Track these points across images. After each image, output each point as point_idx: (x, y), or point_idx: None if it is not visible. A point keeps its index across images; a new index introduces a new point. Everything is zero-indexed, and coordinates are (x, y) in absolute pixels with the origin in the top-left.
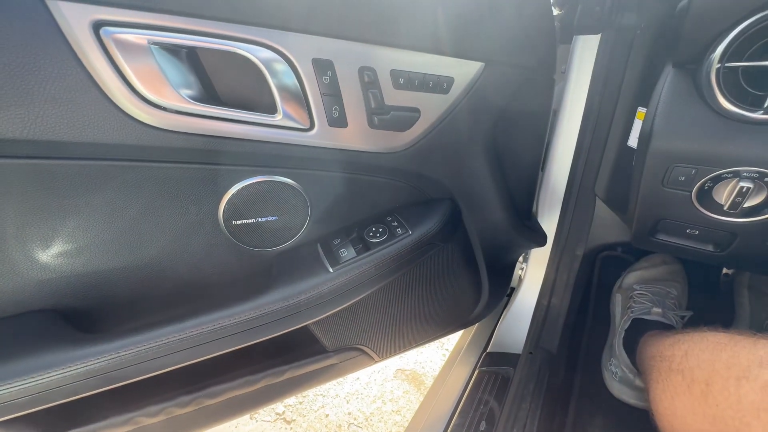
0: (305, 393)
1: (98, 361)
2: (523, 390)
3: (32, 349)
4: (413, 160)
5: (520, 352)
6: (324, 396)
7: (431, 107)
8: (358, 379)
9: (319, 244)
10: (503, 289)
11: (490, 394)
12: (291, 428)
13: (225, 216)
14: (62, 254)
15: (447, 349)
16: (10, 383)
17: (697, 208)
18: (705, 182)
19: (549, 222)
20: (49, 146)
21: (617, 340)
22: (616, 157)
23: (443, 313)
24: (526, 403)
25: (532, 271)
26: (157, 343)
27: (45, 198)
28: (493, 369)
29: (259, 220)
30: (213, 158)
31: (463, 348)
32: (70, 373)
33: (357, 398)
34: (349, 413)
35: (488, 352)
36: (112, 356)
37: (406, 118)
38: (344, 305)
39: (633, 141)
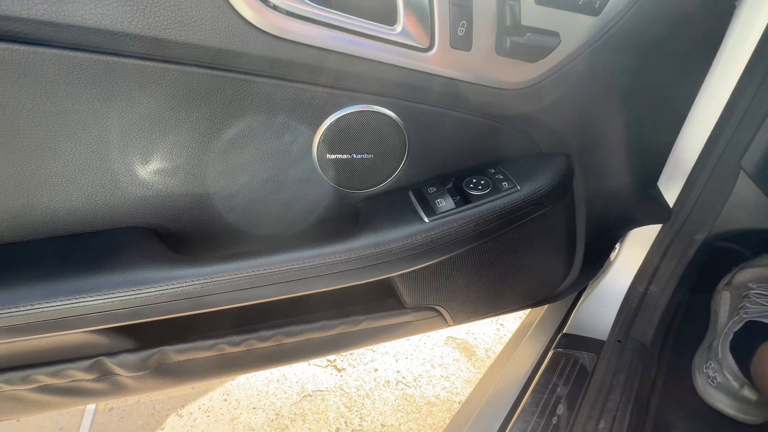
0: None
1: (193, 283)
2: (612, 379)
3: (133, 264)
4: (534, 101)
5: (601, 338)
6: (374, 351)
7: (574, 32)
8: (408, 340)
9: (411, 192)
10: (597, 267)
11: (568, 378)
12: (341, 377)
13: (319, 148)
14: (160, 172)
15: (501, 324)
16: (112, 293)
17: None
18: None
19: (666, 196)
20: (154, 44)
21: (721, 343)
22: None
23: (528, 285)
24: (616, 395)
25: (629, 252)
26: (248, 274)
27: (147, 107)
28: (571, 352)
29: (354, 156)
30: (316, 77)
31: (534, 325)
32: (167, 291)
33: (406, 358)
34: (398, 371)
35: (565, 333)
36: (206, 281)
37: (542, 44)
38: (434, 261)
39: None
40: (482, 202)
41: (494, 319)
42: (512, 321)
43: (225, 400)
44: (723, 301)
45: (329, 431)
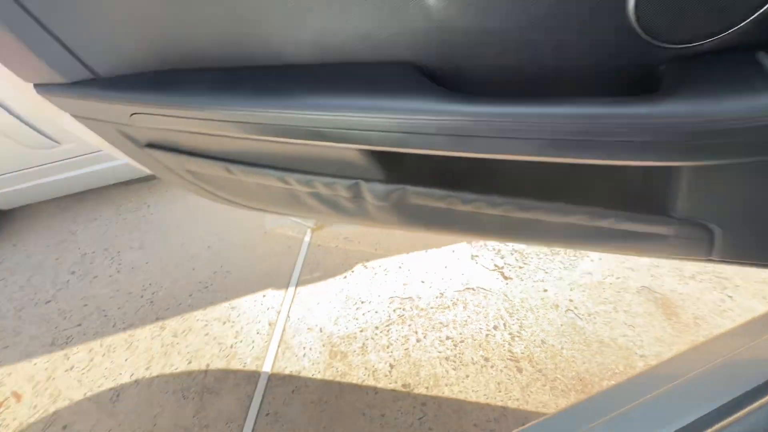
0: (531, 260)
1: (462, 119)
2: None
3: (406, 92)
4: None
5: None
6: (546, 272)
7: None
8: (590, 273)
9: (762, 53)
10: None
11: None
12: (506, 284)
13: None
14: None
15: (729, 295)
16: (389, 115)
17: None
18: None
19: None
20: None
21: None
22: None
23: None
24: None
25: None
26: (518, 122)
27: None
28: None
29: None
30: None
31: None
32: (435, 122)
33: (583, 291)
34: (570, 300)
35: None
36: (467, 119)
37: None
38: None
39: None
40: None
41: (723, 286)
42: (747, 297)
43: (399, 267)
44: None
45: (487, 325)
